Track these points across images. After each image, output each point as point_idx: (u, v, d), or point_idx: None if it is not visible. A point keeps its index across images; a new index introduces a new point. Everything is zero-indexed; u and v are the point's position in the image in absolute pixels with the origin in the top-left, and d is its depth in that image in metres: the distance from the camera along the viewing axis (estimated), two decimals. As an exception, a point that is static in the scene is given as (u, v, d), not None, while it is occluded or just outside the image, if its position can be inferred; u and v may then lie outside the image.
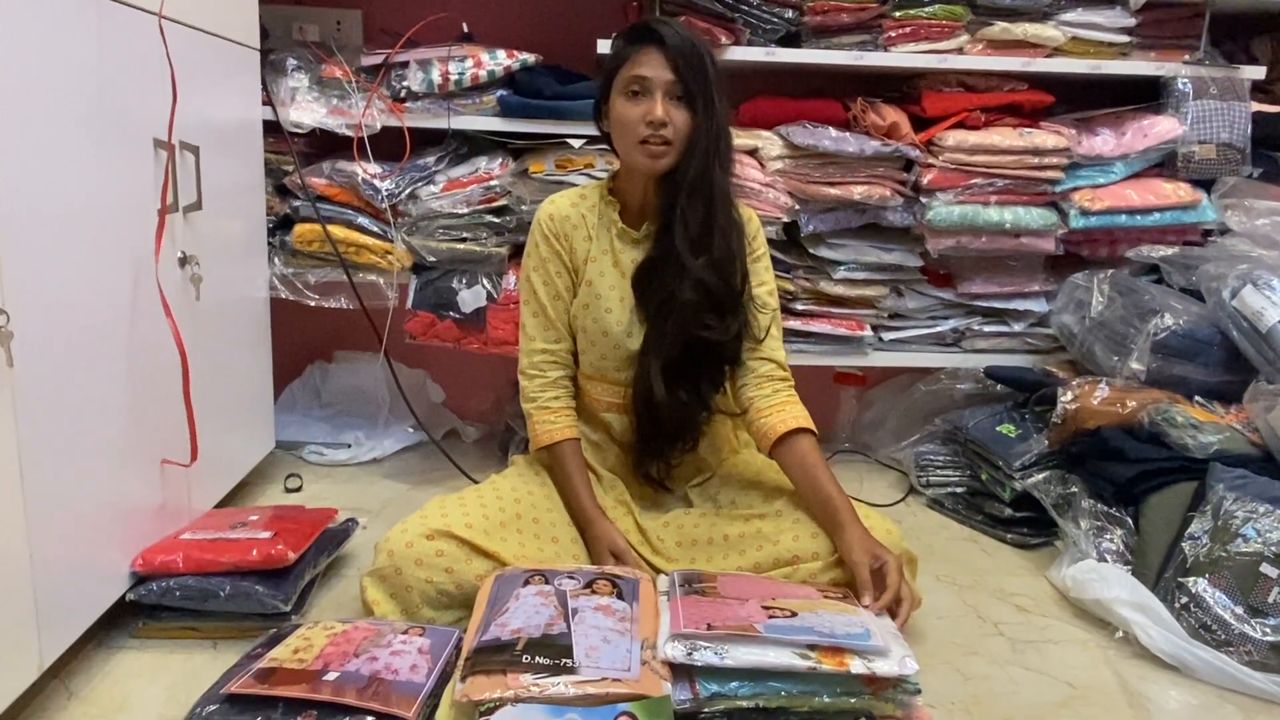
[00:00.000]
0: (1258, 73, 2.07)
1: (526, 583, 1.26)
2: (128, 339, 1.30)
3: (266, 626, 1.33)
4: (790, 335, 2.09)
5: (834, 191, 1.97)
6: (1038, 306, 2.13)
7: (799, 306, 2.07)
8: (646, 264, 1.45)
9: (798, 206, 1.99)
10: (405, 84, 1.92)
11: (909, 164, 2.02)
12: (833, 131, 1.97)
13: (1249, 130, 2.03)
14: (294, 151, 1.91)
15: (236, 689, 1.09)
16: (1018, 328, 2.15)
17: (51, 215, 1.11)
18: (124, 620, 1.36)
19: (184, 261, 1.47)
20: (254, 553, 1.37)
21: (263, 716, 1.06)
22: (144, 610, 1.35)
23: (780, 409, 1.45)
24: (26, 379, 1.06)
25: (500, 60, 1.92)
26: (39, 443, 1.09)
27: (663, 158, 1.38)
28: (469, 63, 1.90)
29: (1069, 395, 1.77)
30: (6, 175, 1.00)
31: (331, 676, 1.10)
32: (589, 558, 1.44)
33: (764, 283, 1.51)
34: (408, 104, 1.94)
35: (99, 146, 1.22)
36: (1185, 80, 2.03)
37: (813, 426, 1.45)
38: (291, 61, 1.94)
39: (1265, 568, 1.36)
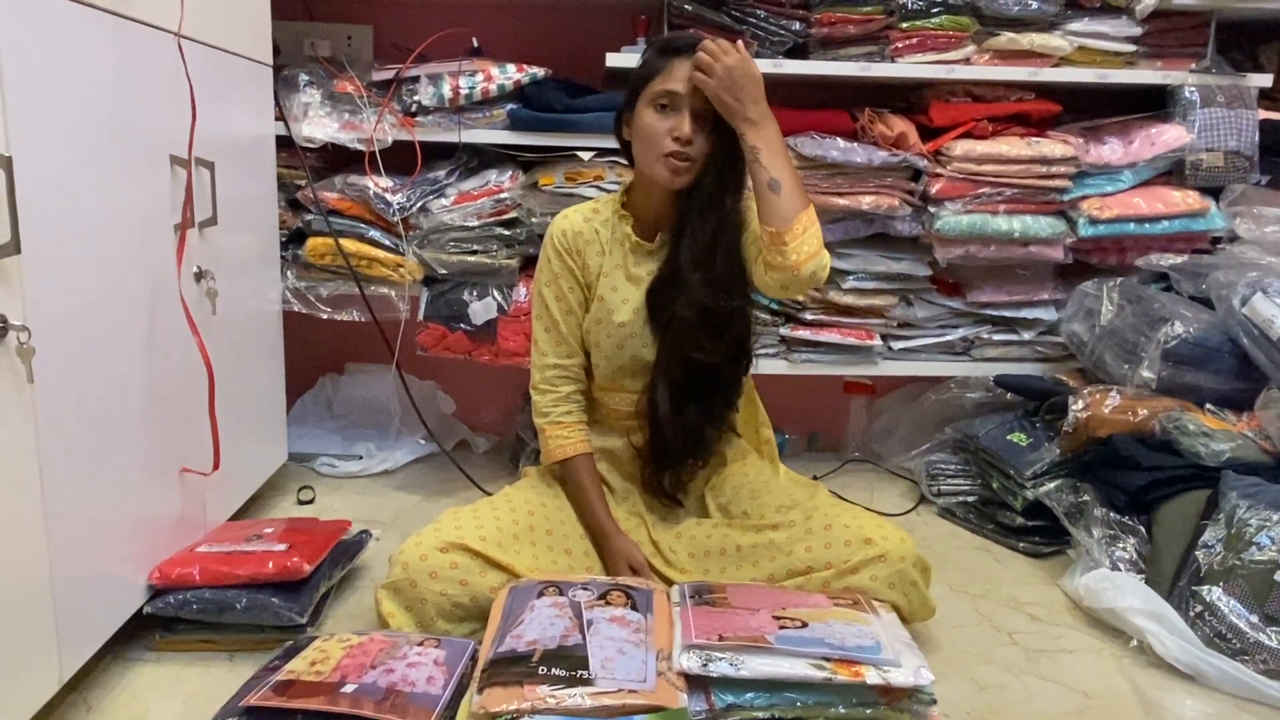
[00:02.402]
0: (1264, 80, 2.07)
1: (541, 594, 1.27)
2: (146, 354, 1.31)
3: (283, 639, 1.34)
4: (799, 345, 2.09)
5: (842, 201, 1.98)
6: (1047, 315, 2.13)
7: (808, 316, 2.08)
8: (661, 279, 1.46)
9: (806, 217, 1.99)
10: (416, 98, 1.94)
11: (917, 174, 2.03)
12: (840, 142, 1.98)
13: (1256, 137, 2.03)
14: (306, 166, 1.93)
15: (255, 701, 1.10)
16: (1027, 336, 2.15)
17: (72, 232, 1.13)
18: (141, 633, 1.36)
19: (200, 276, 1.48)
20: (270, 565, 1.38)
21: (281, 729, 1.07)
22: (161, 623, 1.36)
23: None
24: (47, 395, 1.07)
25: (510, 74, 1.93)
26: (59, 458, 1.10)
27: (683, 174, 1.38)
28: (479, 77, 1.92)
29: (1080, 404, 1.77)
30: (29, 193, 1.01)
31: (349, 689, 1.11)
32: (604, 570, 1.45)
33: None
34: (418, 118, 1.95)
35: (118, 164, 1.23)
36: (1192, 88, 2.03)
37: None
38: (303, 77, 1.96)
39: (1280, 576, 1.36)
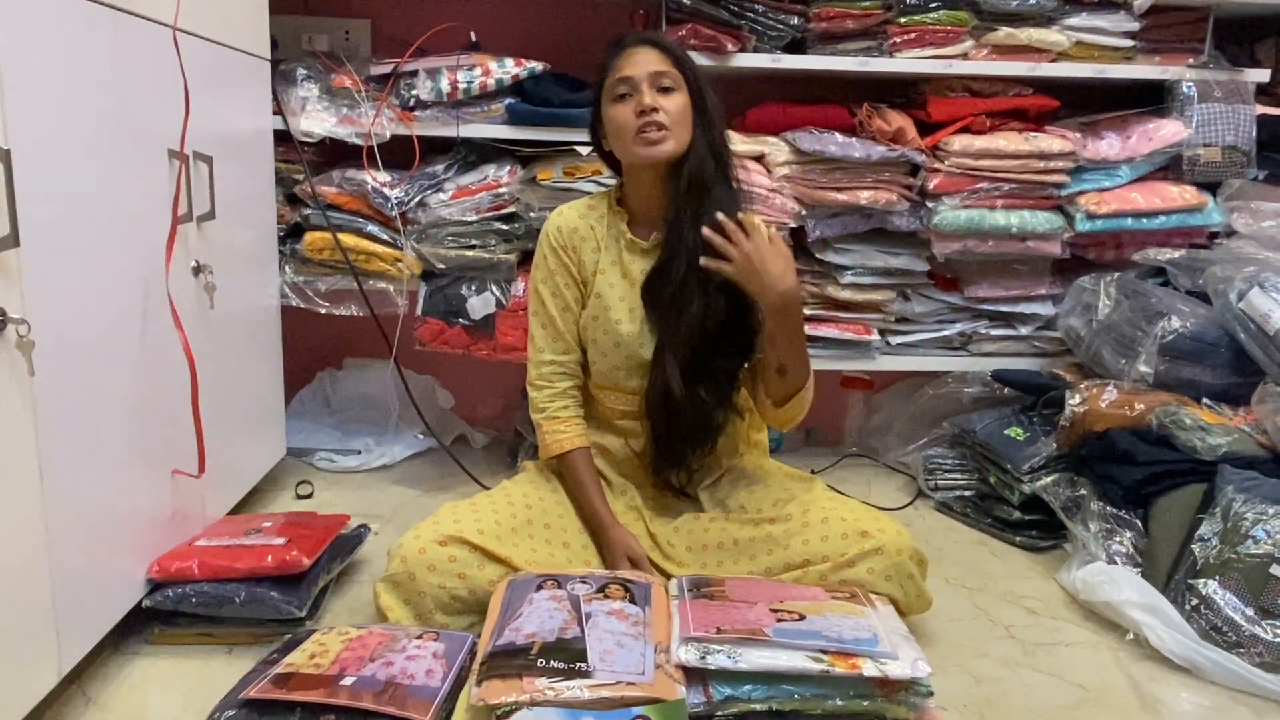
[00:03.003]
0: (1262, 76, 2.08)
1: (539, 587, 1.27)
2: (144, 348, 1.31)
3: (281, 632, 1.34)
4: (798, 340, 2.09)
5: (840, 196, 1.98)
6: (1044, 310, 2.14)
7: (806, 311, 2.08)
8: (656, 269, 1.46)
9: (804, 212, 2.00)
10: (414, 93, 1.94)
11: (915, 169, 2.03)
12: (839, 137, 1.98)
13: (1254, 133, 2.04)
14: (304, 160, 1.93)
15: (255, 694, 1.10)
16: (1025, 331, 2.15)
17: (71, 226, 1.13)
18: (140, 627, 1.37)
19: (198, 271, 1.48)
20: (269, 559, 1.38)
21: (280, 721, 1.07)
22: (160, 617, 1.36)
23: None
24: (46, 388, 1.07)
25: (508, 69, 1.93)
26: (58, 451, 1.10)
27: (663, 142, 1.39)
28: (477, 71, 1.92)
29: (1077, 398, 1.77)
30: (28, 187, 1.01)
31: (348, 681, 1.11)
32: (602, 563, 1.45)
33: None
34: (416, 113, 1.95)
35: (116, 157, 1.23)
36: (1190, 84, 2.04)
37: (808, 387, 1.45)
38: (301, 71, 1.96)
39: (1276, 569, 1.36)
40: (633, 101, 1.39)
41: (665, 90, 1.39)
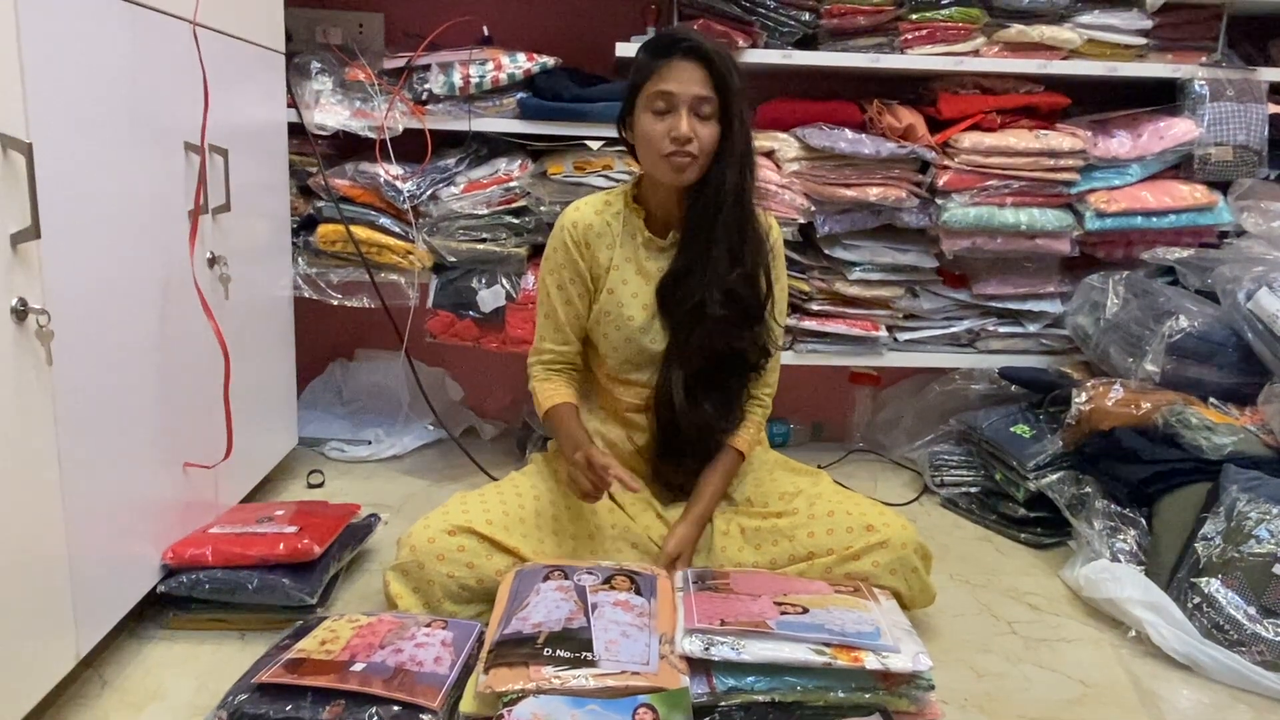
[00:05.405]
0: (1275, 74, 2.07)
1: (546, 578, 1.29)
2: (161, 338, 1.33)
3: (293, 618, 1.36)
4: (805, 335, 2.10)
5: (850, 193, 1.99)
6: (1053, 308, 2.14)
7: (814, 307, 2.09)
8: (673, 275, 1.47)
9: (814, 208, 2.01)
10: (427, 87, 1.95)
11: (925, 166, 2.03)
12: (849, 133, 1.99)
13: (1266, 132, 2.03)
14: (317, 153, 1.95)
15: (267, 679, 1.12)
16: (1033, 329, 2.16)
17: (90, 218, 1.15)
18: (155, 612, 1.39)
19: (213, 262, 1.50)
20: (281, 546, 1.40)
21: (292, 705, 1.09)
22: (174, 602, 1.38)
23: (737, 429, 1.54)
24: (65, 378, 1.09)
25: (520, 63, 1.94)
26: (76, 439, 1.12)
27: (687, 170, 1.39)
28: (489, 65, 1.93)
29: (1083, 396, 1.78)
30: (49, 180, 1.03)
31: (358, 667, 1.13)
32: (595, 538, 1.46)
33: (784, 289, 1.56)
34: (429, 106, 1.96)
35: (134, 150, 1.25)
36: (1202, 82, 2.03)
37: (745, 449, 1.53)
38: (315, 64, 1.97)
39: (1278, 569, 1.37)
40: (669, 120, 1.37)
41: (702, 118, 1.37)
